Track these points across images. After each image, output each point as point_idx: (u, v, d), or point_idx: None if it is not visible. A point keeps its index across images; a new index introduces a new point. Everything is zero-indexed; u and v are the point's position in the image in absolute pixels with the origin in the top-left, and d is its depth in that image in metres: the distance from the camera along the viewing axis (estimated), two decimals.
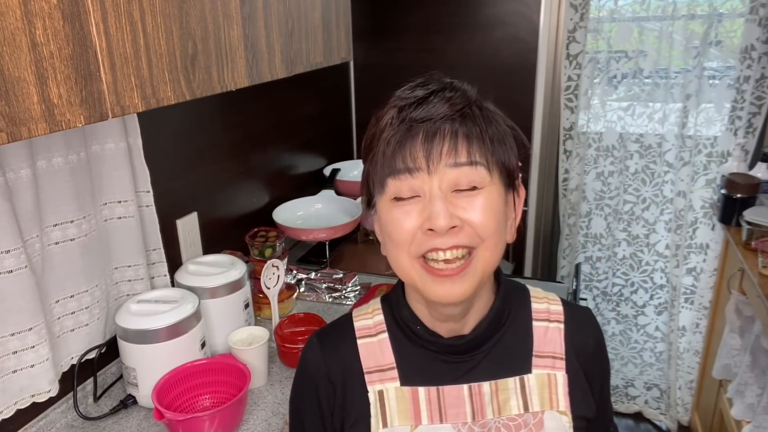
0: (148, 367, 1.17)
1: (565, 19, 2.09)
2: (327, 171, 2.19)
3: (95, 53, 0.74)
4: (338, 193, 2.06)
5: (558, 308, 0.76)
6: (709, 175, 2.14)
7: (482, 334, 0.71)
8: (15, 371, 1.07)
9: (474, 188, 0.63)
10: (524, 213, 1.99)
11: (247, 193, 1.77)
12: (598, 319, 0.89)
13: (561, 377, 0.73)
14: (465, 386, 0.71)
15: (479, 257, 0.64)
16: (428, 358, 0.72)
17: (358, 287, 1.65)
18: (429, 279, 0.65)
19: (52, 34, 0.67)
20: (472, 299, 0.69)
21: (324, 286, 1.64)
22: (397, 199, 0.64)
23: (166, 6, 0.85)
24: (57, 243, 1.13)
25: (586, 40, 2.08)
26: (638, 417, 2.53)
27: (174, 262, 1.43)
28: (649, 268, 2.33)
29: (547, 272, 2.49)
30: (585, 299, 2.35)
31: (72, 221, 1.14)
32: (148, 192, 1.30)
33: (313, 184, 2.14)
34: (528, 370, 0.72)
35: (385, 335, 0.74)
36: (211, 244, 1.59)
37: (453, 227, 0.62)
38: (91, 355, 1.23)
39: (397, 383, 0.72)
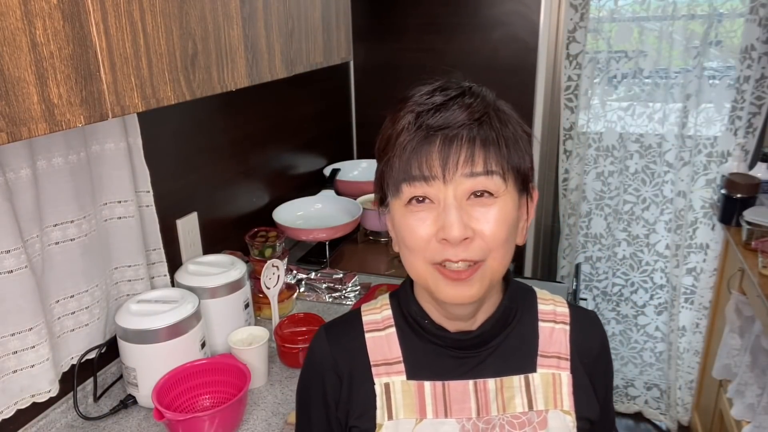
0: (148, 367, 1.17)
1: (565, 19, 2.09)
2: (327, 171, 2.19)
3: (95, 53, 0.74)
4: (338, 193, 2.06)
5: (564, 310, 0.77)
6: (709, 175, 2.14)
7: (489, 331, 0.72)
8: (15, 371, 1.07)
9: (489, 195, 0.64)
10: None
11: (247, 193, 1.77)
12: None
13: (566, 377, 0.73)
14: (470, 382, 0.72)
15: (487, 266, 0.65)
16: (435, 353, 0.73)
17: (358, 287, 1.65)
18: (442, 281, 0.66)
19: (52, 34, 0.67)
20: (482, 299, 0.70)
21: (324, 286, 1.64)
22: (411, 204, 0.65)
23: (166, 6, 0.85)
24: (57, 243, 1.13)
25: (586, 40, 2.08)
26: (638, 417, 2.53)
27: (174, 262, 1.43)
28: (649, 268, 2.33)
29: (547, 272, 2.49)
30: (585, 299, 2.35)
31: (72, 221, 1.14)
32: (148, 192, 1.30)
33: (313, 184, 2.14)
34: (533, 369, 0.73)
35: (393, 329, 0.75)
36: (211, 244, 1.59)
37: (465, 239, 0.63)
38: (91, 355, 1.23)
39: (404, 377, 0.73)
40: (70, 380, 1.19)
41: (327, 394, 0.76)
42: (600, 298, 2.44)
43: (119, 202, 1.25)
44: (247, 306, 1.40)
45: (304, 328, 1.36)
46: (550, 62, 2.15)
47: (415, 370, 0.73)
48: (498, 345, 0.73)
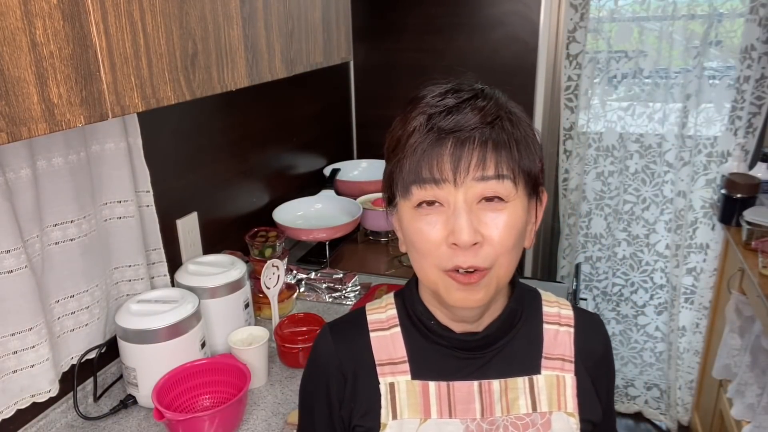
0: (148, 367, 1.17)
1: (565, 19, 2.09)
2: (327, 171, 2.19)
3: (95, 53, 0.74)
4: (338, 193, 2.06)
5: (568, 313, 0.78)
6: (709, 175, 2.14)
7: (495, 333, 0.72)
8: (15, 371, 1.07)
9: (499, 200, 0.63)
10: None
11: (247, 193, 1.77)
12: None
13: (570, 379, 0.73)
14: (475, 383, 0.72)
15: (494, 273, 0.65)
16: (440, 353, 0.73)
17: (358, 287, 1.65)
18: (454, 286, 0.65)
19: (52, 34, 0.67)
20: (489, 303, 0.70)
21: (324, 286, 1.64)
22: (421, 207, 0.65)
23: (166, 6, 0.85)
24: (57, 243, 1.13)
25: (586, 40, 2.08)
26: (638, 417, 2.53)
27: (174, 262, 1.43)
28: (649, 268, 2.33)
29: (547, 272, 2.49)
30: (585, 299, 2.36)
31: (72, 221, 1.14)
32: (148, 192, 1.30)
33: (313, 184, 2.14)
34: (537, 371, 0.73)
35: (398, 329, 0.75)
36: (211, 244, 1.59)
37: (474, 243, 0.62)
38: (91, 355, 1.23)
39: (408, 377, 0.73)
40: (70, 380, 1.19)
41: (331, 393, 0.76)
42: (600, 298, 2.44)
43: (119, 202, 1.25)
44: (247, 306, 1.40)
45: (304, 328, 1.36)
46: (550, 62, 2.15)
47: (420, 370, 0.73)
48: (503, 346, 0.73)
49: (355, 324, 0.78)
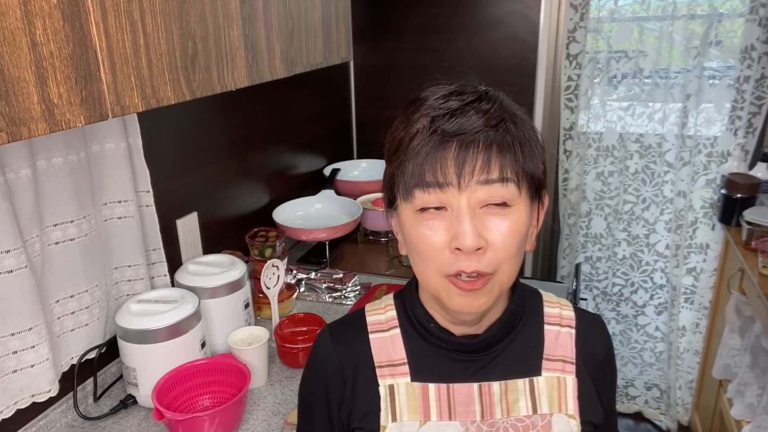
0: (148, 367, 1.17)
1: (565, 19, 2.09)
2: (327, 171, 2.19)
3: (95, 53, 0.74)
4: (338, 193, 2.06)
5: (570, 313, 0.77)
6: (709, 175, 2.14)
7: (495, 335, 0.72)
8: (15, 371, 1.07)
9: (503, 204, 0.63)
10: None
11: (247, 193, 1.77)
12: None
13: (571, 381, 0.73)
14: (475, 385, 0.72)
15: (496, 279, 0.65)
16: (440, 355, 0.73)
17: (358, 287, 1.65)
18: (456, 292, 0.65)
19: (52, 34, 0.67)
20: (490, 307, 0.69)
21: (324, 286, 1.64)
22: (424, 210, 0.64)
23: (166, 6, 0.85)
24: (57, 243, 1.13)
25: (586, 40, 2.08)
26: (638, 417, 2.53)
27: (174, 262, 1.43)
28: (649, 268, 2.33)
29: (547, 272, 2.49)
30: (585, 299, 2.35)
31: (72, 221, 1.14)
32: (148, 192, 1.30)
33: (313, 184, 2.14)
34: (538, 373, 0.73)
35: (397, 331, 0.75)
36: (211, 244, 1.60)
37: (478, 249, 0.62)
38: (91, 355, 1.23)
39: (408, 379, 0.72)
40: (70, 380, 1.19)
41: (330, 395, 0.75)
42: (600, 298, 2.44)
43: (119, 202, 1.25)
44: (247, 306, 1.40)
45: (304, 328, 1.36)
46: (550, 62, 2.15)
47: (420, 372, 0.73)
48: (503, 348, 0.73)
49: (354, 325, 0.77)
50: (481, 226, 0.62)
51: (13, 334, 1.05)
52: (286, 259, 1.60)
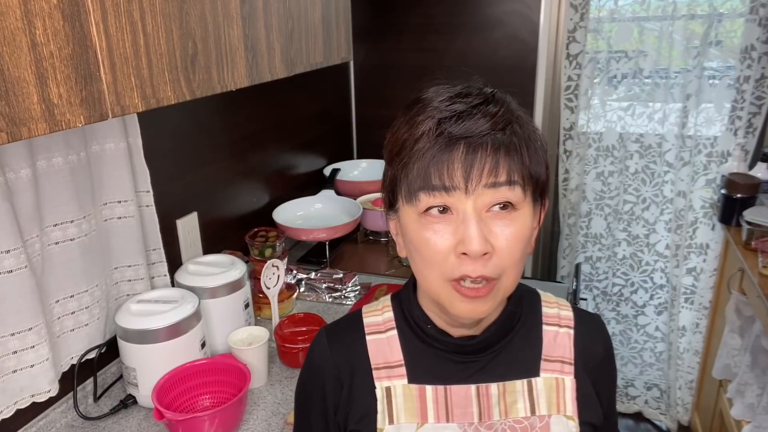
0: (148, 367, 1.17)
1: (565, 19, 2.09)
2: (327, 171, 2.19)
3: (95, 53, 0.74)
4: (338, 193, 2.06)
5: (568, 314, 0.76)
6: (709, 175, 2.14)
7: (493, 336, 0.71)
8: (15, 371, 1.07)
9: (508, 207, 0.62)
10: None
11: (247, 193, 1.77)
12: None
13: (569, 382, 0.72)
14: (473, 386, 0.71)
15: (501, 284, 0.64)
16: (437, 357, 0.72)
17: (358, 287, 1.65)
18: (458, 298, 0.64)
19: (52, 34, 0.67)
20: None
21: (324, 286, 1.64)
22: (428, 214, 0.63)
23: (166, 6, 0.85)
24: (57, 243, 1.13)
25: (586, 40, 2.08)
26: (638, 417, 2.53)
27: (174, 262, 1.43)
28: (649, 268, 2.33)
29: (547, 272, 2.49)
30: (585, 299, 2.35)
31: (72, 221, 1.14)
32: (148, 192, 1.30)
33: (313, 184, 2.15)
34: (536, 374, 0.72)
35: (394, 332, 0.74)
36: (211, 244, 1.60)
37: (485, 253, 0.61)
38: (91, 355, 1.23)
39: (405, 380, 0.72)
40: (70, 380, 1.19)
41: (326, 398, 0.75)
42: (600, 298, 2.44)
43: (119, 202, 1.25)
44: (247, 306, 1.40)
45: (304, 328, 1.36)
46: (550, 62, 2.15)
47: (417, 374, 0.72)
48: (501, 349, 0.72)
49: (351, 327, 0.77)
50: (487, 230, 0.61)
51: (13, 334, 1.05)
52: (286, 259, 1.60)
